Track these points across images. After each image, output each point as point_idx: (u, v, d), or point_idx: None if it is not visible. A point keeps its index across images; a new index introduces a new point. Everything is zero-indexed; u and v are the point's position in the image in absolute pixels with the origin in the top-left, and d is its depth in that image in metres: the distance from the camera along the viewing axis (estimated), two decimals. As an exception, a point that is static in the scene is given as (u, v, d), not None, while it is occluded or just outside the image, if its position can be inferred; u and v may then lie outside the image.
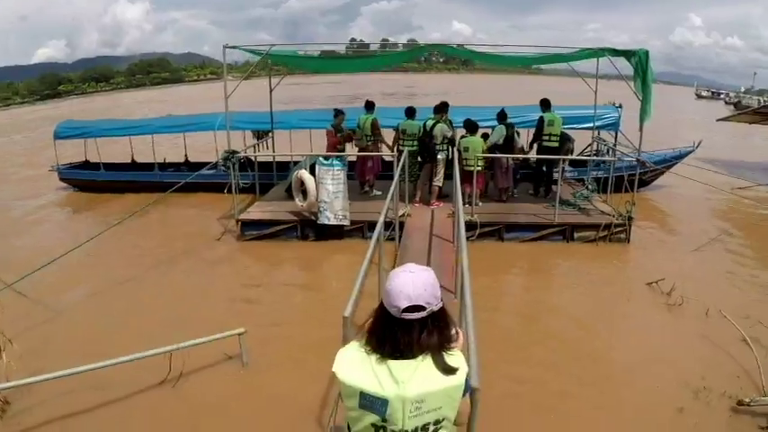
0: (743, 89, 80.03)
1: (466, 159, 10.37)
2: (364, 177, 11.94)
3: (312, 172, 10.00)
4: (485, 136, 11.23)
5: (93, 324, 7.33)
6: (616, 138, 13.57)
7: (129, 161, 15.58)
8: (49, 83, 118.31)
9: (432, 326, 2.13)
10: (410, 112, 11.39)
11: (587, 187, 11.53)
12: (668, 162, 14.31)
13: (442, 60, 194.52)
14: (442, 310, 2.19)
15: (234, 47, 10.71)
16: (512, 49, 12.31)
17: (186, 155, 15.44)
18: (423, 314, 2.09)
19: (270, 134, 13.98)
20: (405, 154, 10.13)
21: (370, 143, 11.50)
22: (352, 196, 10.40)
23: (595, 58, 11.91)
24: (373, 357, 2.13)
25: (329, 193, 9.78)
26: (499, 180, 11.42)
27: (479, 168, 10.41)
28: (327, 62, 12.48)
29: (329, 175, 9.72)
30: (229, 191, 10.74)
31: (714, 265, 9.50)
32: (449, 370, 2.11)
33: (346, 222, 10.08)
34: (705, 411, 5.29)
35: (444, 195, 11.33)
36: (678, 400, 5.46)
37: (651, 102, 9.83)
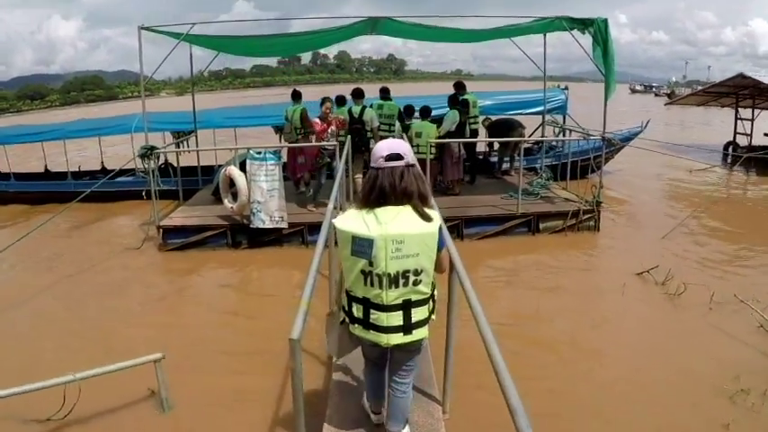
0: (674, 80, 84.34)
1: (417, 146, 8.82)
2: (297, 175, 10.21)
3: (243, 171, 8.34)
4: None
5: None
6: (564, 121, 12.55)
7: (43, 170, 13.47)
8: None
9: (409, 174, 2.56)
10: (341, 101, 9.92)
11: (541, 175, 10.27)
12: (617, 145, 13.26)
13: (372, 70, 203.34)
14: (417, 169, 2.66)
15: (148, 28, 8.93)
16: (460, 22, 10.86)
17: (102, 162, 13.31)
18: (401, 162, 2.55)
19: (191, 135, 12.16)
20: (347, 144, 8.49)
21: (300, 137, 9.84)
22: (287, 197, 8.67)
23: (546, 32, 10.83)
24: (364, 211, 2.54)
25: (263, 191, 8.13)
26: (449, 171, 9.93)
27: (432, 157, 8.95)
28: (257, 42, 10.29)
29: (262, 170, 8.08)
30: (148, 195, 8.93)
31: (696, 249, 8.48)
32: (425, 216, 2.52)
33: (284, 225, 8.40)
34: (750, 418, 4.24)
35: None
36: (718, 412, 4.27)
37: (614, 73, 8.74)
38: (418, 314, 2.61)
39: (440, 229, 2.56)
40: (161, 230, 8.74)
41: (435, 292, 2.73)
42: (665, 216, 10.36)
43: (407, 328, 2.60)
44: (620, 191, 12.51)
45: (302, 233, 8.65)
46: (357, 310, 2.64)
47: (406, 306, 2.57)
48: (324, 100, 9.38)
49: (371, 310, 2.60)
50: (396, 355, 2.86)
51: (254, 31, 10.43)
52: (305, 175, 10.05)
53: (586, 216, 9.12)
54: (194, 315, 6.63)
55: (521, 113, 12.51)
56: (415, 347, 2.79)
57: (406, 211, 2.49)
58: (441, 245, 2.59)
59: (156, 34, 9.38)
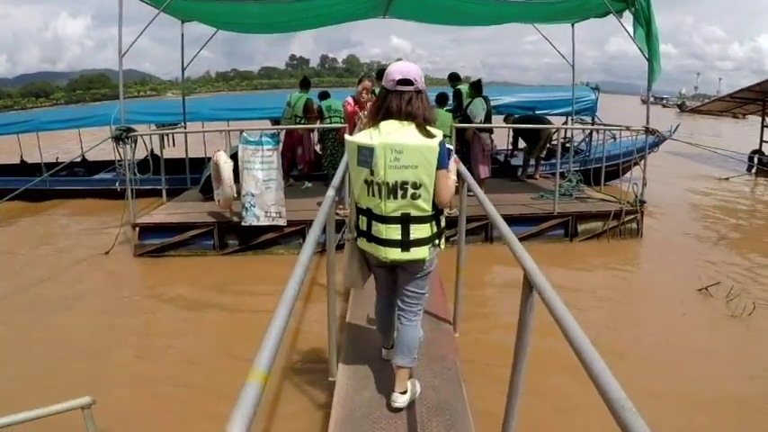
0: (684, 90, 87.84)
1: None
2: (291, 168, 9.00)
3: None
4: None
5: None
6: (593, 122, 11.12)
7: (19, 162, 11.85)
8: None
9: (417, 99, 2.51)
10: (324, 96, 8.99)
11: (570, 178, 8.83)
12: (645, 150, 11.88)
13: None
14: (426, 95, 2.59)
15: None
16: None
17: (83, 153, 11.18)
18: (410, 88, 2.49)
19: (179, 127, 10.54)
20: (359, 125, 6.69)
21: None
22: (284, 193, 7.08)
23: (577, 18, 9.83)
24: (371, 127, 2.53)
25: (258, 181, 6.66)
26: (479, 166, 8.38)
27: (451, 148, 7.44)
28: (259, 9, 8.54)
29: (258, 157, 6.61)
30: (123, 190, 7.39)
31: (745, 262, 7.18)
32: (428, 134, 2.47)
33: (281, 222, 6.90)
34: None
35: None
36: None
37: (659, 56, 7.61)
38: (417, 232, 2.55)
39: (441, 146, 2.49)
40: (137, 229, 7.20)
41: (443, 220, 2.68)
42: (701, 227, 9.08)
43: (405, 243, 2.56)
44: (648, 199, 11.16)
45: (303, 233, 7.08)
46: (362, 222, 2.65)
47: (405, 221, 2.53)
48: (362, 78, 8.00)
49: (373, 222, 2.58)
50: (400, 278, 2.80)
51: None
52: (304, 168, 9.04)
53: (628, 218, 7.80)
54: (162, 337, 5.09)
55: (547, 114, 10.96)
56: (417, 269, 2.71)
57: (409, 127, 2.48)
58: (442, 163, 2.50)
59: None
